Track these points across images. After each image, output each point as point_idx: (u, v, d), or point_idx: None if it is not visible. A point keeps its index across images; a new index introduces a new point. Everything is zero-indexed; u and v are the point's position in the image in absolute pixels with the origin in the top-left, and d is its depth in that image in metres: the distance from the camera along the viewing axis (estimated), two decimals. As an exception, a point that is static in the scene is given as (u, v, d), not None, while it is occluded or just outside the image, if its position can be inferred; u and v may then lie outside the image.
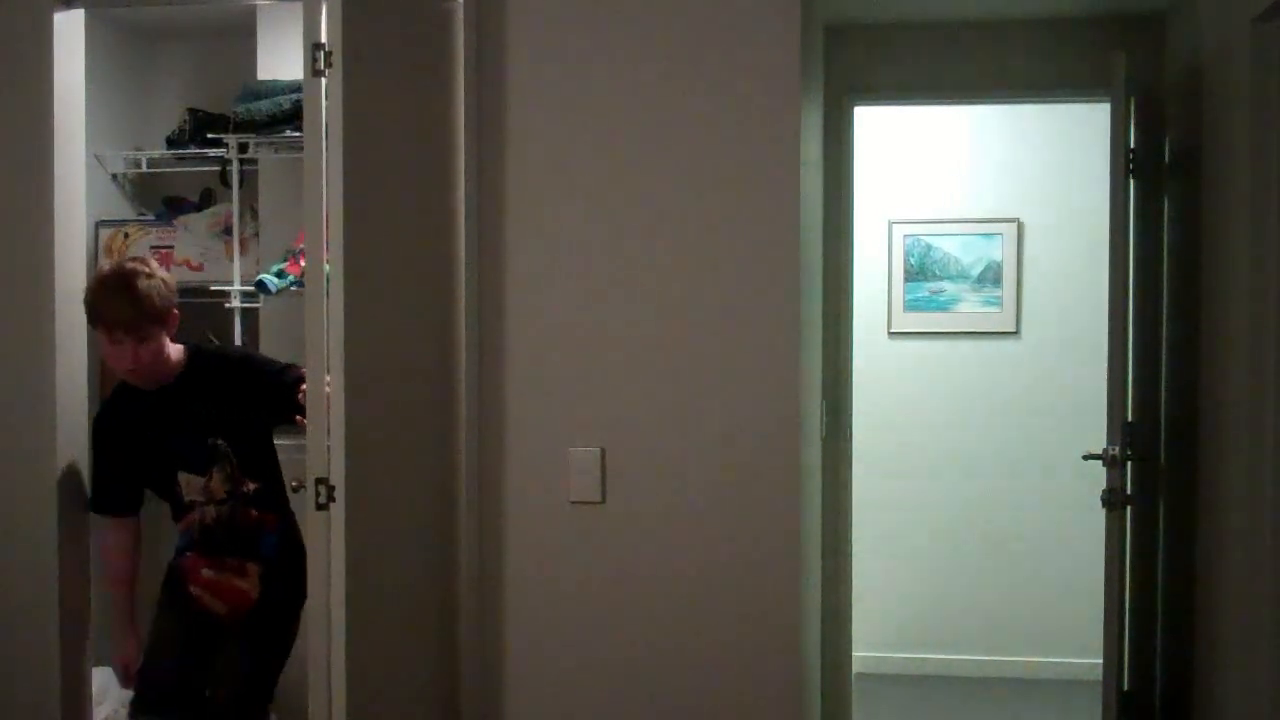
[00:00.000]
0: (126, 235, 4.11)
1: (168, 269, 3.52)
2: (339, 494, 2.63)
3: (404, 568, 2.96)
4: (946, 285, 5.71)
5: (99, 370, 3.73)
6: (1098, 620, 3.86)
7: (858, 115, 4.52)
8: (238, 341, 4.01)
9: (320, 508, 2.65)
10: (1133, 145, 3.89)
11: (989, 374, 5.67)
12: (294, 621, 3.25)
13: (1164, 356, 4.09)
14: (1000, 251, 5.66)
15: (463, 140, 3.04)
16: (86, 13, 3.24)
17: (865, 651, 5.44)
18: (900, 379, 5.70)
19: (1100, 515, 3.82)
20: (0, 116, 3.12)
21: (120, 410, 3.22)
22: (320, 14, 2.65)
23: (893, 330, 5.74)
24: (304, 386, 2.79)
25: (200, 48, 4.36)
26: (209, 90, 4.23)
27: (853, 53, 4.39)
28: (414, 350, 3.02)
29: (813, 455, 3.64)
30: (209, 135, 4.00)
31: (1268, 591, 2.98)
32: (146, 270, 3.08)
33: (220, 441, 3.16)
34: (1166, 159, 4.08)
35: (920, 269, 5.72)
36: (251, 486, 3.21)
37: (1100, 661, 3.89)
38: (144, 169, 4.25)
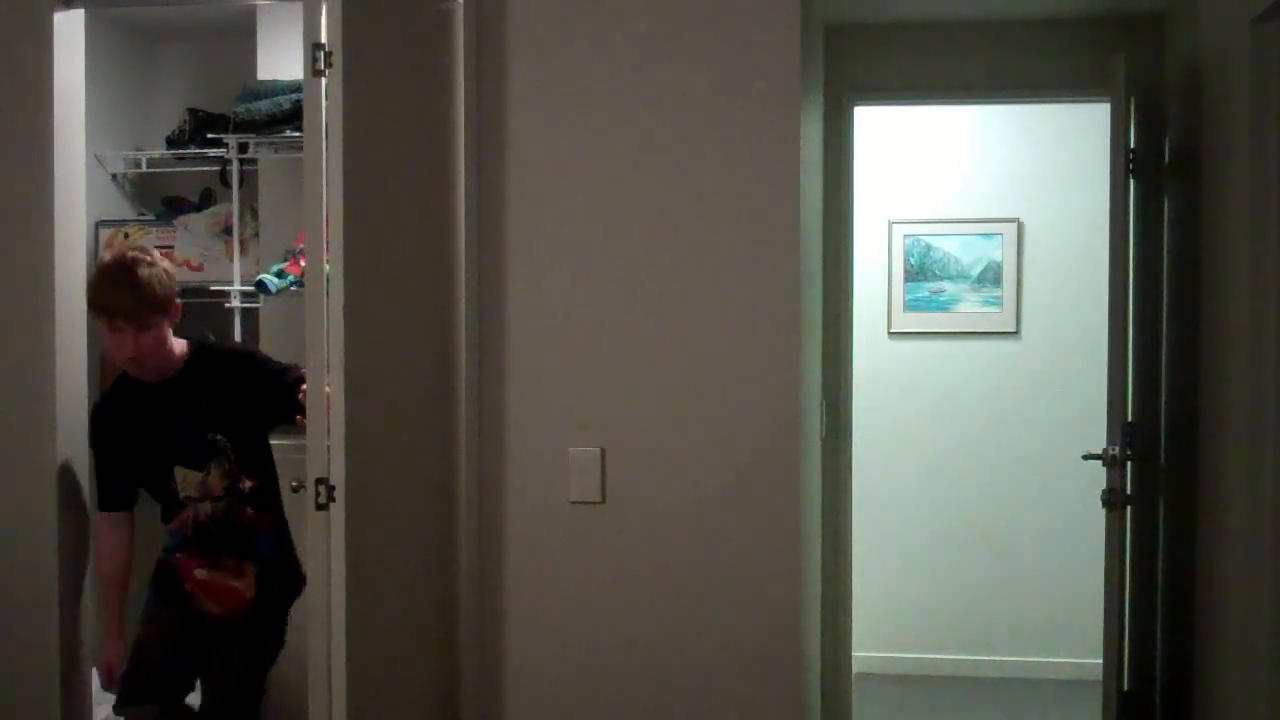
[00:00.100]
0: (126, 235, 4.11)
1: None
2: (339, 494, 2.63)
3: (404, 568, 2.96)
4: (946, 285, 5.71)
5: (99, 369, 3.73)
6: (1098, 620, 3.86)
7: (858, 115, 4.52)
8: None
9: (320, 508, 2.65)
10: (1133, 145, 3.88)
11: (989, 374, 5.67)
12: (285, 618, 3.27)
13: (1164, 356, 4.09)
14: (1000, 251, 5.66)
15: (463, 140, 3.04)
16: (86, 13, 3.24)
17: (865, 651, 5.43)
18: (900, 379, 5.70)
19: (1100, 515, 3.82)
20: (0, 116, 3.12)
21: (120, 402, 3.20)
22: (320, 14, 2.65)
23: (893, 330, 5.74)
24: (304, 387, 2.79)
25: (200, 48, 4.36)
26: (209, 90, 4.23)
27: (853, 53, 4.39)
28: (414, 350, 3.02)
29: (813, 455, 3.64)
30: (209, 135, 4.00)
31: (1267, 591, 2.98)
32: (148, 259, 3.08)
33: (219, 437, 3.15)
34: (1166, 159, 4.08)
35: (920, 269, 5.72)
36: (248, 484, 3.20)
37: (1100, 661, 3.89)
38: (144, 169, 4.25)
